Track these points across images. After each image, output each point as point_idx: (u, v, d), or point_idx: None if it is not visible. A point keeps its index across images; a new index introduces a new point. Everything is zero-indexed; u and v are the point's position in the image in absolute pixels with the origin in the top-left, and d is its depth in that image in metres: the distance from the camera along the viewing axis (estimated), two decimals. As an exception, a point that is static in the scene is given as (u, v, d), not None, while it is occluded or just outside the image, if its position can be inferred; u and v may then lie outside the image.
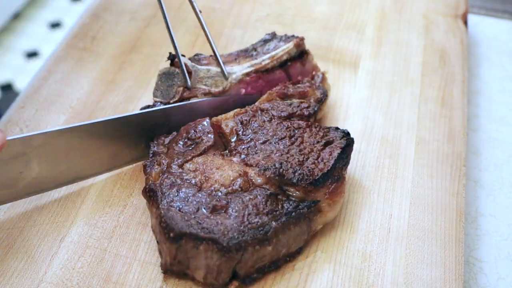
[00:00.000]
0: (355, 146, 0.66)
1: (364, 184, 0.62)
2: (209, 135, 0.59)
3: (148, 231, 0.57)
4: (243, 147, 0.58)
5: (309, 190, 0.55)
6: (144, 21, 0.82)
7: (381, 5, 0.86)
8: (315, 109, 0.63)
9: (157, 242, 0.54)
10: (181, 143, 0.60)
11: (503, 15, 0.91)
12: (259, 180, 0.55)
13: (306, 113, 0.62)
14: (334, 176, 0.56)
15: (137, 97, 0.71)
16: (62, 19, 2.11)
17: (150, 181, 0.56)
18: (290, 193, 0.55)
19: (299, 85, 0.66)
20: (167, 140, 0.60)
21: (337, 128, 0.60)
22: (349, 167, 0.63)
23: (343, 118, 0.69)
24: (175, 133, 0.61)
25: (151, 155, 0.59)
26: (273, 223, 0.52)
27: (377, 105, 0.71)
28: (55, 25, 2.09)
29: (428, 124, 0.69)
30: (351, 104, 0.71)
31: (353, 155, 0.65)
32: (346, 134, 0.59)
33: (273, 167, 0.55)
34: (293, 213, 0.53)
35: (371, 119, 0.69)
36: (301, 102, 0.63)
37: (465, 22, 0.83)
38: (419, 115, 0.70)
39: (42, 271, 0.54)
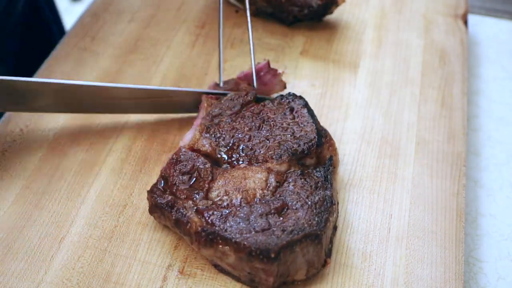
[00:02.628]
0: (355, 146, 0.66)
1: (364, 184, 0.62)
2: (199, 160, 0.56)
3: (148, 231, 0.57)
4: (239, 152, 0.58)
5: (319, 152, 0.57)
6: (144, 21, 0.82)
7: (381, 5, 0.86)
8: (254, 94, 0.64)
9: (244, 275, 0.52)
10: (179, 182, 0.55)
11: (503, 15, 0.91)
12: (283, 168, 0.56)
13: (250, 98, 0.63)
14: (321, 130, 0.59)
15: (137, 97, 0.71)
16: (62, 19, 2.11)
17: (199, 228, 0.51)
18: (309, 164, 0.57)
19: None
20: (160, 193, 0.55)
21: (282, 96, 0.62)
22: (349, 167, 0.64)
23: (343, 118, 0.69)
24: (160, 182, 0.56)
25: (173, 211, 0.53)
26: (327, 192, 0.54)
27: (377, 105, 0.71)
28: (55, 25, 2.09)
29: (428, 124, 0.69)
30: (351, 104, 0.71)
31: (353, 155, 0.65)
32: (293, 95, 0.62)
33: (284, 150, 0.56)
34: (328, 176, 0.55)
35: (371, 119, 0.69)
36: (236, 93, 0.64)
37: (465, 22, 0.83)
38: (419, 115, 0.70)
39: (42, 271, 0.54)
